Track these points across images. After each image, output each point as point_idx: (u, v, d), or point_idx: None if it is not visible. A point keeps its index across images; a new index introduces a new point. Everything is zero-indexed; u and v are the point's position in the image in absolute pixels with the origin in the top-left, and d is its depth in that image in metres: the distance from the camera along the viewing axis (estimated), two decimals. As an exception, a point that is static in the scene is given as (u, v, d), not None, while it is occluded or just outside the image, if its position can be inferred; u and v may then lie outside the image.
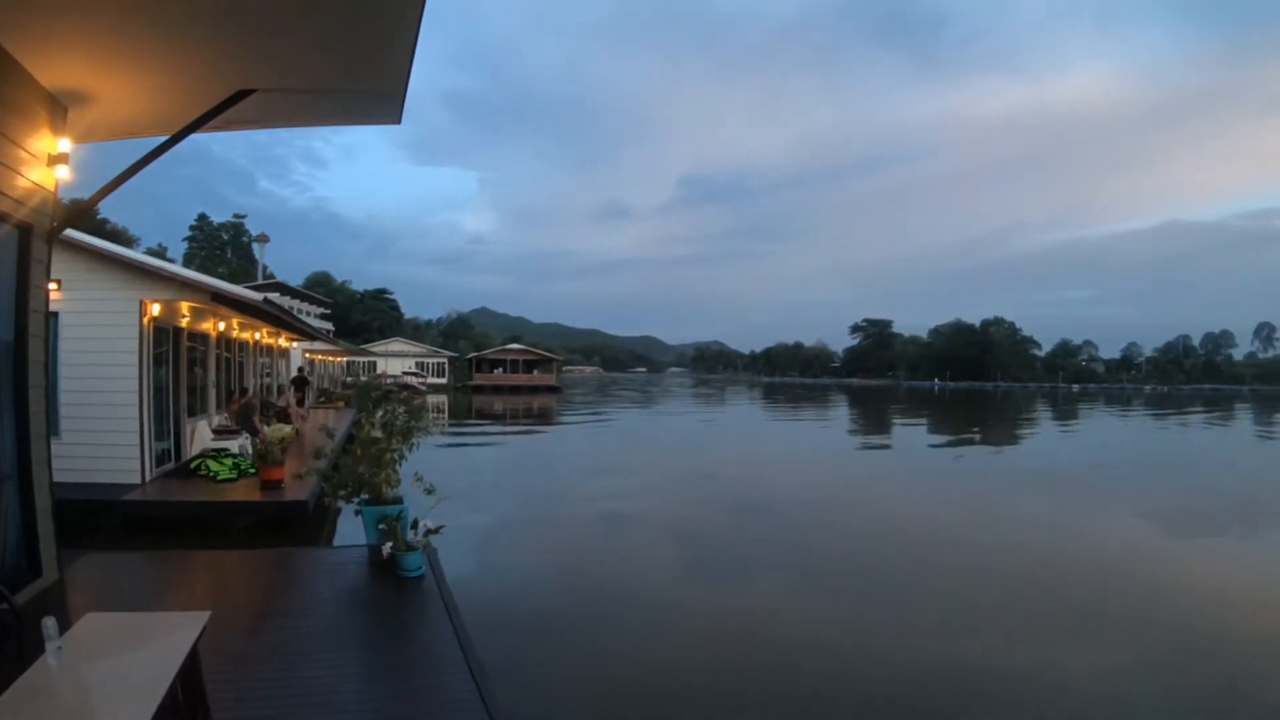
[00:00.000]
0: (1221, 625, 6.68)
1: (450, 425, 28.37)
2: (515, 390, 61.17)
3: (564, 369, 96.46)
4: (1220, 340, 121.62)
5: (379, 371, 52.78)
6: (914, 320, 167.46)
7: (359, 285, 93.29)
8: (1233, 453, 25.56)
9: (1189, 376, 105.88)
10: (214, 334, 12.00)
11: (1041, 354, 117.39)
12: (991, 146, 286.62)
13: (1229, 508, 13.70)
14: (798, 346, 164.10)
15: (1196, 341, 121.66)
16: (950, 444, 26.52)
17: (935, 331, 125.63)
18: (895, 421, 36.73)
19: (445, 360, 69.08)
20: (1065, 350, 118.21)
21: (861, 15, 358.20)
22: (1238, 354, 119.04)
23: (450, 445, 20.54)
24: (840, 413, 43.54)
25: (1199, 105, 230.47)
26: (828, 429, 32.44)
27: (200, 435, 10.59)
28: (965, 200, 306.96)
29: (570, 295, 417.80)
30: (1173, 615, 7.06)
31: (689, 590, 7.60)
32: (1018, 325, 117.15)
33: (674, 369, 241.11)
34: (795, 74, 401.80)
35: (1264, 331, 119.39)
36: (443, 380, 65.70)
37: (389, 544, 5.36)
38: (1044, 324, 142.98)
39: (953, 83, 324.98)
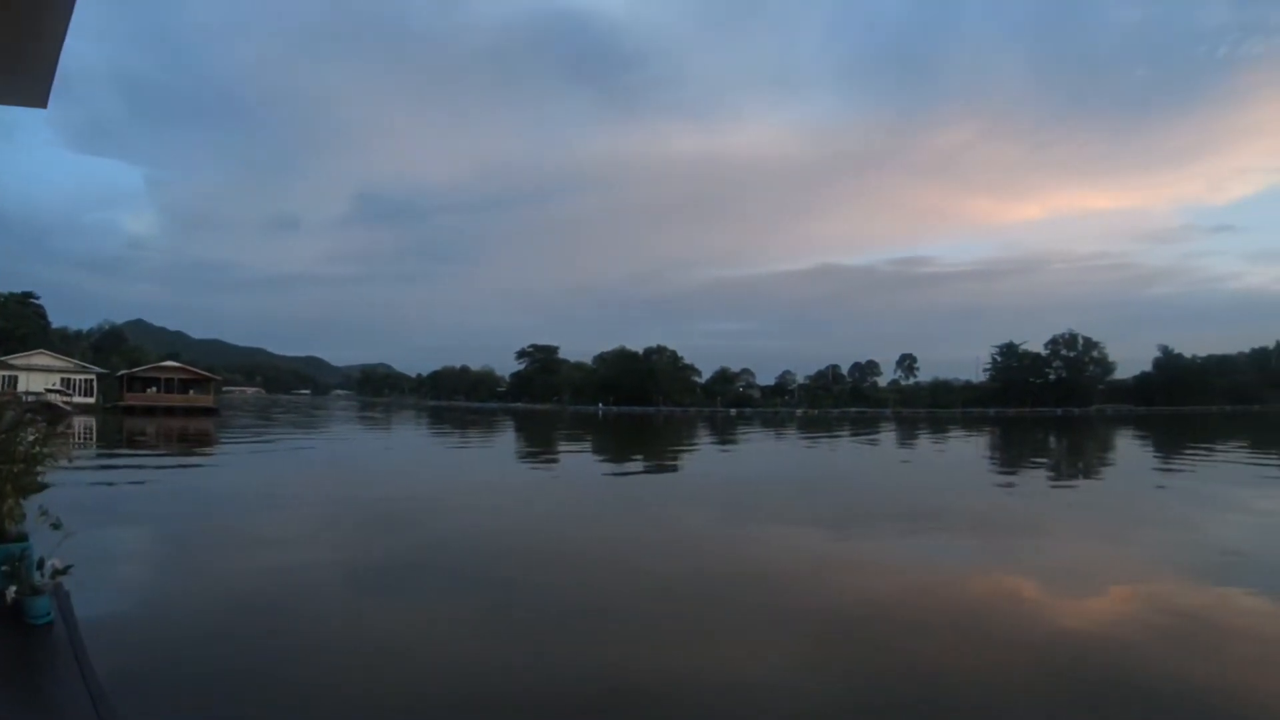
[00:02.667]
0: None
1: (93, 450, 26.26)
2: (170, 412, 56.98)
3: (224, 389, 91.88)
4: (866, 369, 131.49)
5: (17, 388, 47.69)
6: (581, 347, 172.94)
7: (2, 287, 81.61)
8: (871, 466, 29.15)
9: (837, 401, 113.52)
10: None
11: (702, 380, 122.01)
12: (667, 185, 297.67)
13: (867, 513, 15.42)
14: (464, 370, 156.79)
15: (845, 370, 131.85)
16: (613, 464, 27.56)
17: (600, 358, 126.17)
18: (561, 444, 37.38)
19: (94, 377, 63.60)
20: (724, 377, 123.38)
21: (554, 49, 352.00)
22: (882, 381, 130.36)
23: (92, 473, 18.87)
24: (508, 436, 44.69)
25: (858, 165, 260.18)
26: (495, 452, 32.96)
27: None
28: (637, 234, 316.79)
29: (233, 311, 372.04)
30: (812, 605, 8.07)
31: (354, 623, 7.40)
32: (680, 353, 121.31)
33: (339, 391, 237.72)
34: (482, 99, 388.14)
35: (906, 362, 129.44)
36: (91, 399, 60.59)
37: (12, 588, 4.54)
38: (705, 353, 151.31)
39: (637, 122, 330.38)
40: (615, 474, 23.63)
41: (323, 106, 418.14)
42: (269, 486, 18.79)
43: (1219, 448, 34.33)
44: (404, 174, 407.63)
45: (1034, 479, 23.76)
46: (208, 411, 60.63)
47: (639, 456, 30.11)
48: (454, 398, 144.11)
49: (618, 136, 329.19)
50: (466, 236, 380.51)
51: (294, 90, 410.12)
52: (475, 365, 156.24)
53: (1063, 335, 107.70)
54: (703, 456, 31.17)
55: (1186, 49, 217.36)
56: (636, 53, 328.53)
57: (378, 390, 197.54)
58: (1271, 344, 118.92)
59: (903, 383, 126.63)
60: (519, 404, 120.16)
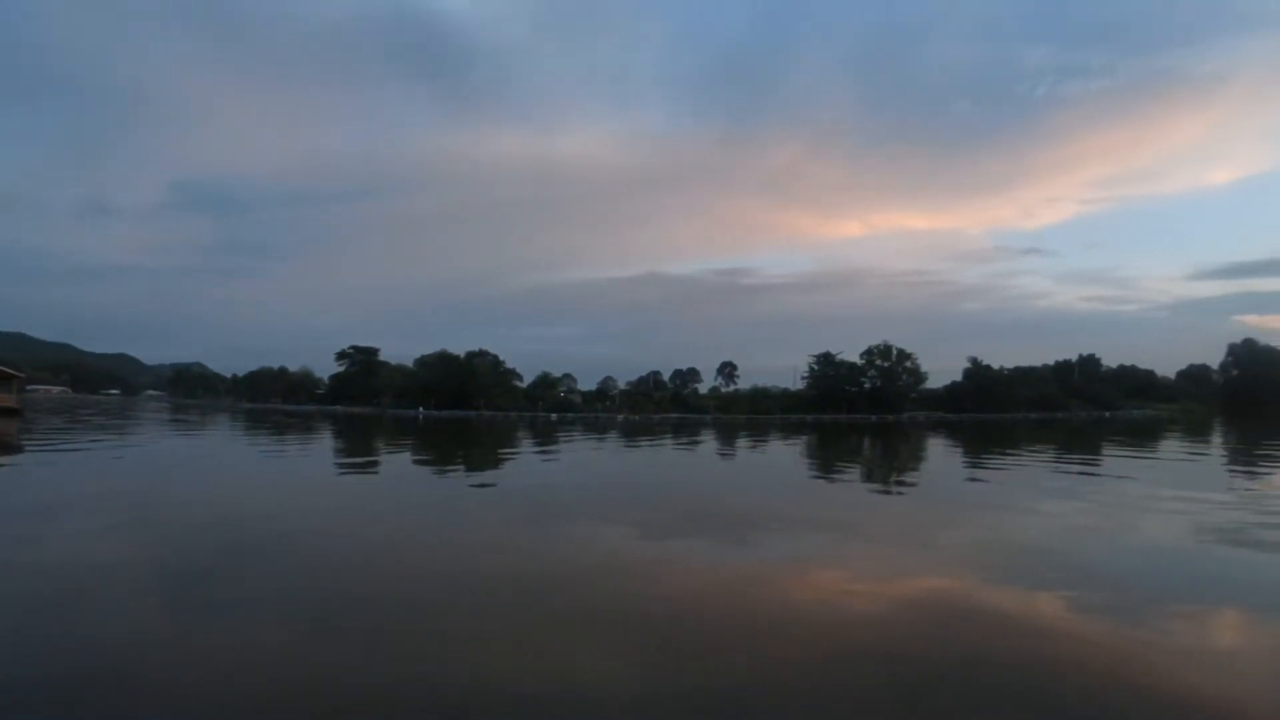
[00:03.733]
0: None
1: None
2: (-31, 412, 53.18)
3: (27, 388, 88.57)
4: (688, 376, 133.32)
5: None
6: (403, 349, 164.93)
7: None
8: (689, 470, 29.88)
9: (659, 407, 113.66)
10: None
11: (523, 385, 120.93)
12: (497, 187, 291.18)
13: (684, 516, 16.02)
14: (282, 371, 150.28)
15: (667, 377, 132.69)
16: (436, 470, 27.73)
17: (421, 361, 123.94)
18: (382, 450, 36.82)
19: (-112, 375, 58.98)
20: (545, 382, 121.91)
21: (390, 41, 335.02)
22: (703, 388, 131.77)
23: None
24: (327, 443, 42.18)
25: (689, 176, 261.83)
26: (315, 459, 31.84)
27: None
28: (464, 236, 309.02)
29: (39, 303, 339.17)
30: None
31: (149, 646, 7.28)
32: (502, 358, 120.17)
33: (151, 391, 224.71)
34: (311, 88, 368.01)
35: (726, 369, 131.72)
36: (-116, 400, 56.43)
37: None
38: (528, 357, 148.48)
39: (470, 122, 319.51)
40: (443, 483, 23.01)
41: (142, 86, 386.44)
42: (80, 501, 16.98)
43: (1020, 450, 37.37)
44: (225, 162, 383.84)
45: (851, 480, 25.49)
46: (9, 412, 56.47)
47: (460, 465, 29.58)
48: (270, 400, 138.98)
49: (450, 135, 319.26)
50: (289, 231, 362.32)
51: (111, 66, 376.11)
52: (294, 366, 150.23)
53: (877, 346, 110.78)
54: (524, 463, 30.72)
55: (1008, 86, 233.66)
56: (474, 51, 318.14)
57: (191, 391, 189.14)
58: (1074, 357, 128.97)
59: (723, 389, 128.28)
60: (338, 407, 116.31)
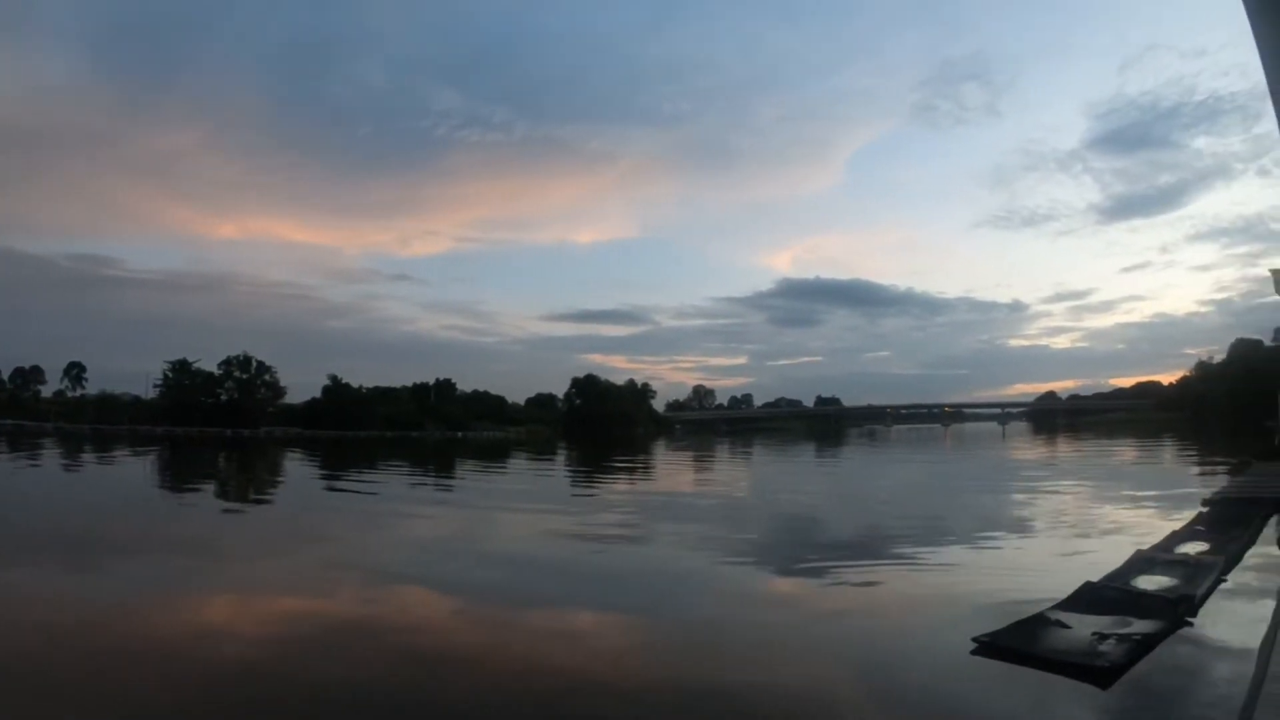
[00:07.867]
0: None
1: None
2: None
3: None
4: (31, 376, 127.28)
5: None
6: None
7: None
8: (23, 488, 27.90)
9: None
10: None
11: None
12: None
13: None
14: None
15: (7, 376, 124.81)
16: None
17: None
18: None
19: None
20: None
21: None
22: (47, 390, 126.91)
23: None
24: None
25: (65, 144, 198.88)
26: None
27: None
28: None
29: None
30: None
31: None
32: None
33: None
34: None
35: (74, 371, 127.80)
36: None
37: None
38: None
39: None
40: None
41: None
42: None
43: (375, 468, 39.72)
44: None
45: (202, 498, 25.73)
46: None
47: None
48: None
49: None
50: None
51: None
52: None
53: (237, 357, 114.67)
54: None
55: (412, 121, 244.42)
56: None
57: None
58: (432, 380, 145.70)
59: (70, 394, 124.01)
60: None
